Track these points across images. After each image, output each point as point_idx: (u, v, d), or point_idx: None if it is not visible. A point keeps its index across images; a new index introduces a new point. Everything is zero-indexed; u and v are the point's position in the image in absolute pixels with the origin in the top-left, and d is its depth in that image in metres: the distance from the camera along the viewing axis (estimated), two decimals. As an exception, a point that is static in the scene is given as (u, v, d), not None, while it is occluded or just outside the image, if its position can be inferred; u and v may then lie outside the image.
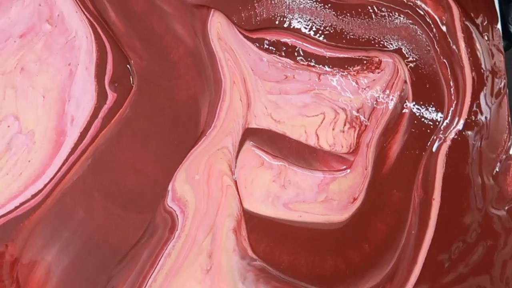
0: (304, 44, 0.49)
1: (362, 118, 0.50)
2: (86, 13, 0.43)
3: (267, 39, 0.48)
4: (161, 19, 0.45)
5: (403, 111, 0.52)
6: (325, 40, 0.50)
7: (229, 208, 0.44)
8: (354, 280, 0.46)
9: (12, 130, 0.39)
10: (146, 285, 0.40)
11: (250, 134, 0.46)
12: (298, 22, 0.49)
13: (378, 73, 0.52)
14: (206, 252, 0.43)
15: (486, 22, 0.57)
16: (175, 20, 0.46)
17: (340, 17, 0.51)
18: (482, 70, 0.56)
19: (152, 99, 0.44)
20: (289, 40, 0.49)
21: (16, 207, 0.38)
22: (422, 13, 0.54)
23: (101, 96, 0.42)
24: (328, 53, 0.50)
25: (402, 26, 0.53)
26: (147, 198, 0.42)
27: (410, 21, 0.54)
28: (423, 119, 0.52)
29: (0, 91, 0.40)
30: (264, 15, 0.49)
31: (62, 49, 0.42)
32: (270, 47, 0.48)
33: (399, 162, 0.50)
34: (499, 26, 0.58)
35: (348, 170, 0.48)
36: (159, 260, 0.41)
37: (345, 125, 0.49)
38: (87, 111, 0.42)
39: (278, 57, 0.49)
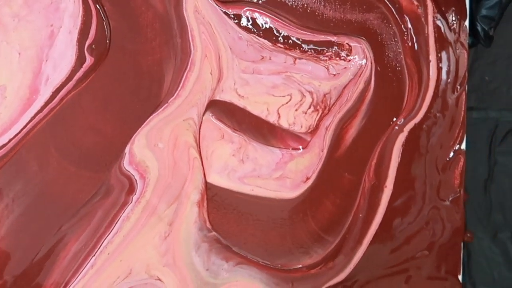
0: (276, 22, 0.49)
1: (327, 102, 0.51)
2: None
3: (244, 16, 0.48)
4: None
5: (365, 97, 0.53)
6: (295, 20, 0.50)
7: (196, 181, 0.45)
8: (297, 255, 0.48)
9: None
10: (101, 245, 0.41)
11: (211, 105, 0.47)
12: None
13: (349, 61, 0.52)
14: (167, 220, 0.44)
15: (455, 18, 0.58)
16: None
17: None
18: (447, 66, 0.57)
19: (118, 62, 0.43)
20: (260, 16, 0.48)
21: None
22: (394, 4, 0.54)
23: (80, 59, 0.42)
24: (299, 34, 0.50)
25: (372, 14, 0.53)
26: (103, 158, 0.42)
27: (380, 10, 0.53)
28: (382, 108, 0.53)
29: None
30: None
31: (45, 9, 0.41)
32: (249, 26, 0.48)
33: (354, 146, 0.51)
34: (466, 23, 0.58)
35: (302, 149, 0.49)
36: (116, 223, 0.41)
37: (309, 108, 0.50)
38: (64, 73, 0.41)
39: (257, 37, 0.49)
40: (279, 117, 0.49)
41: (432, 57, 0.56)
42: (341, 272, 0.50)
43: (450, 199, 0.56)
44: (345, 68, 0.52)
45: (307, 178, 0.49)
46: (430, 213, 0.54)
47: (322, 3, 0.51)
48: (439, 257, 0.55)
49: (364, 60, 0.52)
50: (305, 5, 0.50)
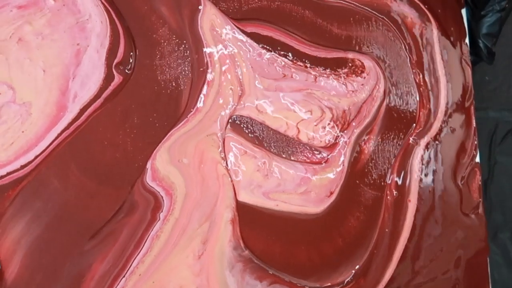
0: (288, 39, 0.49)
1: (346, 118, 0.50)
2: None
3: (260, 34, 0.48)
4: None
5: (380, 112, 0.52)
6: (306, 37, 0.50)
7: (227, 199, 0.44)
8: (327, 272, 0.46)
9: (3, 98, 0.38)
10: (131, 265, 0.39)
11: (231, 120, 0.46)
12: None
13: (364, 77, 0.52)
14: (201, 238, 0.42)
15: (456, 37, 0.59)
16: (159, 1, 0.45)
17: (319, 17, 0.52)
18: (454, 82, 0.57)
19: (137, 78, 0.43)
20: (273, 34, 0.49)
21: (2, 176, 0.36)
22: (400, 23, 0.55)
23: (108, 78, 0.41)
24: (311, 51, 0.50)
25: (379, 32, 0.54)
26: (124, 174, 0.40)
27: (386, 28, 0.54)
28: (396, 122, 0.52)
29: None
30: (248, 7, 0.48)
31: (70, 28, 0.41)
32: (266, 46, 0.48)
33: (372, 160, 0.51)
34: (467, 41, 0.59)
35: (323, 164, 0.48)
36: (145, 241, 0.39)
37: (329, 123, 0.49)
38: (92, 91, 0.41)
39: (278, 56, 0.49)
40: (298, 131, 0.48)
41: (440, 73, 0.57)
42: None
43: (473, 213, 0.55)
44: (362, 84, 0.52)
45: (331, 193, 0.48)
46: (454, 228, 0.53)
47: (329, 21, 0.52)
48: (467, 273, 0.53)
49: (377, 76, 0.53)
50: (313, 22, 0.51)
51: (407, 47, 0.55)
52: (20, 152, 0.37)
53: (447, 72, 0.57)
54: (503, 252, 0.64)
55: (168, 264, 0.40)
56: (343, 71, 0.51)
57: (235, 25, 0.48)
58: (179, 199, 0.41)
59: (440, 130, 0.54)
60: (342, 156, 0.49)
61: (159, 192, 0.41)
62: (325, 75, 0.50)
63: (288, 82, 0.49)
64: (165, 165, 0.42)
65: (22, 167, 0.37)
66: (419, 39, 0.56)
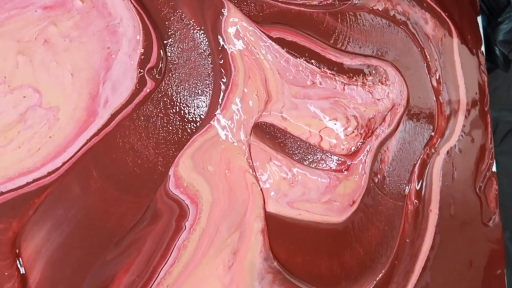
0: (312, 45, 0.48)
1: (371, 126, 0.50)
2: (133, 2, 0.41)
3: (285, 39, 0.47)
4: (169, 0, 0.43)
5: (401, 120, 0.52)
6: (327, 42, 0.49)
7: (257, 208, 0.43)
8: (348, 284, 0.45)
9: (28, 101, 0.36)
10: (157, 276, 0.37)
11: (253, 127, 0.45)
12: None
13: (389, 85, 0.52)
14: (231, 249, 0.41)
15: (472, 45, 0.58)
16: (182, 2, 0.43)
17: (340, 22, 0.51)
18: (474, 90, 0.57)
19: (159, 81, 0.41)
20: (298, 39, 0.47)
21: (28, 183, 0.34)
22: (418, 31, 0.55)
23: (141, 83, 0.40)
24: (335, 58, 0.49)
25: (398, 38, 0.53)
26: (146, 181, 0.39)
27: (405, 35, 0.54)
28: (414, 130, 0.52)
29: (11, 58, 0.36)
30: (269, 10, 0.47)
31: (100, 31, 0.39)
32: (293, 52, 0.47)
33: (392, 169, 0.50)
34: (482, 48, 0.59)
35: (346, 172, 0.47)
36: (172, 251, 0.38)
37: (353, 132, 0.49)
38: (124, 96, 0.39)
39: (306, 63, 0.48)
40: (321, 139, 0.47)
41: (460, 82, 0.56)
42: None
43: (491, 222, 0.55)
44: (387, 93, 0.51)
45: (353, 202, 0.47)
46: (474, 238, 0.53)
47: (349, 27, 0.51)
48: (484, 283, 0.53)
49: (401, 85, 0.52)
50: (334, 27, 0.50)
51: (426, 54, 0.55)
52: (48, 159, 0.36)
53: (466, 80, 0.57)
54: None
55: (197, 275, 0.39)
56: (369, 79, 0.51)
57: (260, 29, 0.46)
58: (205, 207, 0.40)
59: (460, 139, 0.54)
60: (364, 164, 0.49)
61: (183, 200, 0.39)
62: (352, 84, 0.49)
63: (316, 90, 0.48)
64: (189, 172, 0.40)
65: (49, 173, 0.35)
66: (439, 46, 0.56)
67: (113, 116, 0.39)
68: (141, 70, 0.40)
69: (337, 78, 0.49)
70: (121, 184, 0.38)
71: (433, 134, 0.53)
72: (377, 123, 0.50)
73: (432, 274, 0.50)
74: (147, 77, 0.40)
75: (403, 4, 0.55)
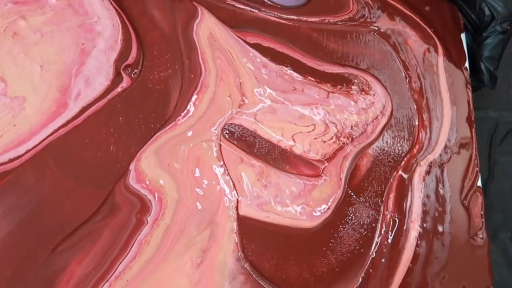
0: (290, 52, 0.48)
1: (352, 134, 0.48)
2: (113, 3, 0.42)
3: (262, 45, 0.47)
4: (139, 2, 0.44)
5: (383, 129, 0.51)
6: (303, 51, 0.49)
7: (231, 207, 0.41)
8: None
9: None
10: (115, 270, 0.36)
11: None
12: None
13: (373, 95, 0.51)
14: (200, 246, 0.39)
15: (457, 61, 0.57)
16: (152, 5, 0.44)
17: (315, 32, 0.51)
18: (459, 104, 0.56)
19: (134, 79, 0.41)
20: (275, 45, 0.47)
21: None
22: (399, 43, 0.54)
23: (116, 79, 0.40)
24: (315, 66, 0.49)
25: (377, 49, 0.53)
26: (104, 175, 0.38)
27: (384, 47, 0.53)
28: (394, 139, 0.51)
29: None
30: (243, 17, 0.48)
31: (74, 28, 0.40)
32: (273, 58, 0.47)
33: (368, 176, 0.48)
34: (466, 64, 0.58)
35: (323, 178, 0.46)
36: (132, 245, 0.37)
37: (331, 138, 0.48)
38: (97, 91, 0.39)
39: (285, 69, 0.47)
40: (294, 142, 0.46)
41: (444, 95, 0.55)
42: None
43: (479, 237, 0.52)
44: (372, 103, 0.51)
45: (328, 208, 0.45)
46: (461, 252, 0.50)
47: (325, 36, 0.51)
48: None
49: (386, 95, 0.51)
50: (309, 36, 0.50)
51: (407, 67, 0.54)
52: (10, 146, 0.35)
53: (452, 95, 0.56)
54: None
55: (162, 271, 0.37)
56: (353, 88, 0.50)
57: (235, 34, 0.47)
58: (171, 204, 0.39)
59: (445, 152, 0.52)
60: (341, 170, 0.47)
61: (145, 196, 0.38)
62: (337, 92, 0.49)
63: (298, 96, 0.47)
64: (152, 168, 0.39)
65: (11, 160, 0.35)
66: (422, 59, 0.56)
67: (84, 109, 0.39)
68: (117, 67, 0.41)
69: (321, 85, 0.49)
70: (78, 175, 0.37)
71: (413, 145, 0.51)
72: (358, 131, 0.49)
73: (415, 285, 0.47)
74: (123, 74, 0.41)
75: (386, 18, 0.55)
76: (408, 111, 0.53)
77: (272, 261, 0.42)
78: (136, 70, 0.41)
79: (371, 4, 0.55)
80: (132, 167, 0.39)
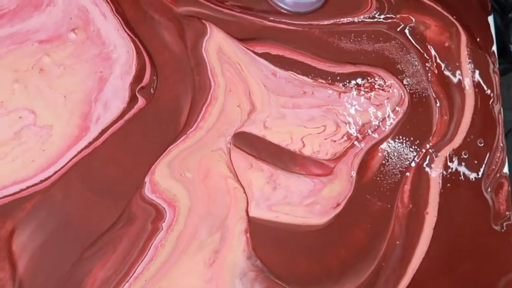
0: (300, 57, 0.50)
1: (365, 132, 0.49)
2: (128, 31, 0.46)
3: (270, 54, 0.49)
4: (149, 25, 0.47)
5: (397, 124, 0.51)
6: (313, 53, 0.50)
7: (240, 211, 0.44)
8: (328, 283, 0.45)
9: (24, 121, 0.41)
10: (134, 272, 0.40)
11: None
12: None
13: (388, 90, 0.51)
14: (212, 248, 0.43)
15: (483, 45, 0.55)
16: (162, 27, 0.47)
17: (325, 34, 0.51)
18: (483, 91, 0.54)
19: (149, 99, 0.45)
20: (284, 52, 0.49)
21: (22, 190, 0.39)
22: (414, 35, 0.54)
23: (132, 101, 0.44)
24: (326, 67, 0.50)
25: (389, 44, 0.53)
26: (122, 188, 0.42)
27: (398, 41, 0.53)
28: (408, 133, 0.51)
29: (7, 85, 0.41)
30: (251, 28, 0.49)
31: (93, 58, 0.44)
32: (283, 65, 0.49)
33: (381, 172, 0.49)
34: (494, 48, 0.56)
35: (333, 176, 0.47)
36: (148, 250, 0.41)
37: (342, 137, 0.49)
38: (115, 113, 0.43)
39: (295, 74, 0.49)
40: (303, 145, 0.47)
41: (467, 83, 0.53)
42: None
43: (504, 225, 0.52)
44: (387, 98, 0.51)
45: (338, 205, 0.47)
46: (483, 241, 0.50)
47: (337, 36, 0.51)
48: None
49: (402, 90, 0.51)
50: (319, 38, 0.51)
51: (425, 58, 0.53)
52: (41, 169, 0.40)
53: (475, 81, 0.55)
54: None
55: (176, 271, 0.41)
56: (366, 85, 0.51)
57: (244, 46, 0.48)
58: (183, 210, 0.42)
59: (466, 140, 0.51)
60: (351, 167, 0.48)
61: (160, 204, 0.42)
62: (348, 91, 0.50)
63: (307, 99, 0.49)
64: (165, 179, 0.43)
65: (41, 181, 0.40)
66: (441, 49, 0.54)
67: (103, 131, 0.43)
68: (132, 90, 0.44)
69: (331, 86, 0.50)
70: (99, 190, 0.41)
71: (429, 137, 0.51)
72: (372, 128, 0.50)
73: (429, 276, 0.47)
74: (138, 96, 0.44)
75: (406, 10, 0.55)
76: (426, 103, 0.52)
77: (282, 257, 0.44)
78: (151, 90, 0.45)
79: (392, -1, 0.55)
80: (147, 179, 0.42)
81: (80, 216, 0.40)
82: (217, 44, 0.47)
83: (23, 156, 0.40)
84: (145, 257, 0.41)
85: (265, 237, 0.44)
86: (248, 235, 0.43)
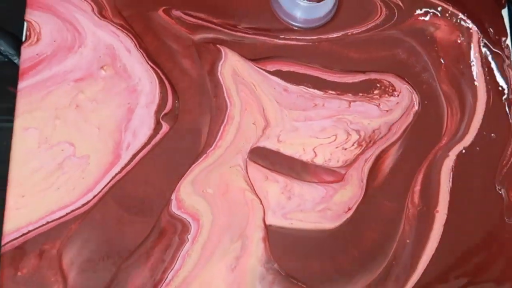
0: (310, 71, 0.52)
1: (375, 137, 0.51)
2: (150, 63, 0.50)
3: (282, 71, 0.52)
4: (170, 55, 0.50)
5: (407, 127, 0.52)
6: (322, 66, 0.52)
7: (258, 220, 0.48)
8: (341, 282, 0.48)
9: (65, 153, 0.46)
10: (166, 278, 0.45)
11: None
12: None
13: (397, 95, 0.52)
14: (234, 255, 0.46)
15: (496, 40, 0.55)
16: (180, 55, 0.50)
17: (334, 45, 0.53)
18: (497, 87, 0.54)
19: (172, 124, 0.49)
20: (295, 68, 0.52)
21: (67, 213, 0.45)
22: (425, 36, 0.55)
23: (157, 127, 0.48)
24: (337, 79, 0.52)
25: (400, 49, 0.54)
26: (152, 206, 0.46)
27: (409, 44, 0.54)
28: (420, 135, 0.52)
29: (50, 122, 0.46)
30: (263, 48, 0.52)
31: (121, 91, 0.48)
32: (293, 81, 0.52)
33: (392, 174, 0.51)
34: (508, 42, 0.55)
35: (344, 182, 0.50)
36: (177, 259, 0.45)
37: (353, 145, 0.51)
38: (143, 140, 0.48)
39: (307, 88, 0.51)
40: (315, 155, 0.50)
41: (479, 81, 0.53)
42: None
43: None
44: (397, 103, 0.52)
45: (349, 209, 0.49)
46: (493, 234, 0.51)
47: (346, 47, 0.53)
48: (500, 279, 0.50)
49: (412, 94, 0.52)
50: (330, 50, 0.53)
51: (435, 59, 0.54)
52: (81, 194, 0.45)
53: (487, 77, 0.54)
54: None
55: (203, 277, 0.45)
56: (375, 92, 0.52)
57: (256, 65, 0.51)
58: (206, 223, 0.46)
59: (478, 138, 0.52)
60: (362, 172, 0.50)
61: (185, 219, 0.46)
62: (358, 100, 0.51)
63: (318, 111, 0.51)
64: (189, 196, 0.47)
65: (83, 205, 0.45)
66: (451, 48, 0.54)
67: (133, 157, 0.47)
68: (157, 117, 0.48)
69: (341, 97, 0.51)
70: (132, 209, 0.46)
71: (440, 137, 0.52)
72: (382, 133, 0.51)
73: (440, 273, 0.49)
74: (162, 122, 0.48)
75: (416, 14, 0.55)
76: (436, 104, 0.52)
77: (297, 260, 0.47)
78: (173, 115, 0.48)
79: (401, 4, 0.55)
80: (173, 197, 0.46)
81: (116, 232, 0.45)
82: (231, 67, 0.50)
83: (66, 185, 0.45)
84: (174, 266, 0.45)
85: (281, 243, 0.47)
86: (265, 242, 0.47)
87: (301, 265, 0.48)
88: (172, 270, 0.46)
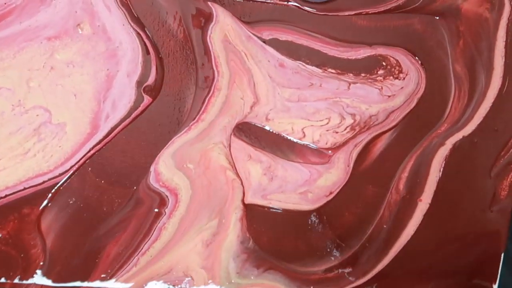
0: (310, 42, 0.45)
1: (370, 123, 0.47)
2: (133, 26, 0.43)
3: (279, 40, 0.45)
4: (155, 14, 0.43)
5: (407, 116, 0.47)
6: (326, 35, 0.45)
7: (237, 200, 0.46)
8: (312, 259, 0.47)
9: (40, 119, 0.42)
10: (142, 248, 0.44)
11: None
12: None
13: (403, 79, 0.46)
14: (211, 231, 0.45)
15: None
16: (167, 13, 0.43)
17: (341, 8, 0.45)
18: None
19: (154, 97, 0.44)
20: (293, 37, 0.45)
21: (44, 181, 0.43)
22: (449, 6, 0.46)
23: (138, 99, 0.43)
24: (338, 53, 0.45)
25: (417, 19, 0.46)
26: (130, 176, 0.44)
27: (427, 14, 0.46)
28: (418, 119, 0.47)
29: (24, 84, 0.42)
30: (260, 8, 0.45)
31: (99, 55, 0.42)
32: (291, 54, 0.45)
33: (381, 159, 0.47)
34: None
35: (330, 165, 0.46)
36: (153, 231, 0.44)
37: (345, 129, 0.46)
38: (123, 112, 0.43)
39: (304, 64, 0.45)
40: (303, 135, 0.46)
41: (497, 64, 0.46)
42: (362, 278, 0.48)
43: (497, 208, 0.49)
44: (401, 88, 0.46)
45: (330, 193, 0.46)
46: (475, 223, 0.49)
47: (354, 11, 0.45)
48: (474, 269, 0.50)
49: (419, 78, 0.46)
50: (336, 17, 0.45)
51: (454, 34, 0.46)
52: (59, 163, 0.43)
53: (507, 61, 0.46)
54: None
55: (178, 249, 0.45)
56: (379, 73, 0.46)
57: (251, 32, 0.44)
58: (185, 198, 0.44)
59: (479, 128, 0.47)
60: (350, 157, 0.46)
61: (163, 192, 0.44)
62: (359, 81, 0.45)
63: (314, 91, 0.45)
64: (169, 169, 0.44)
65: (60, 174, 0.43)
66: (475, 24, 0.46)
67: (112, 129, 0.43)
68: (139, 89, 0.44)
69: (341, 77, 0.45)
70: (110, 178, 0.44)
71: (440, 123, 0.47)
72: (379, 120, 0.46)
73: (412, 257, 0.49)
74: (144, 94, 0.43)
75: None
76: (444, 87, 0.46)
77: (271, 237, 0.46)
78: (156, 87, 0.44)
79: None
80: (152, 169, 0.44)
81: (93, 201, 0.44)
82: (223, 32, 0.43)
83: (43, 152, 0.42)
84: (150, 237, 0.44)
85: (258, 221, 0.46)
86: (243, 222, 0.45)
87: (275, 243, 0.47)
88: (148, 240, 0.45)
